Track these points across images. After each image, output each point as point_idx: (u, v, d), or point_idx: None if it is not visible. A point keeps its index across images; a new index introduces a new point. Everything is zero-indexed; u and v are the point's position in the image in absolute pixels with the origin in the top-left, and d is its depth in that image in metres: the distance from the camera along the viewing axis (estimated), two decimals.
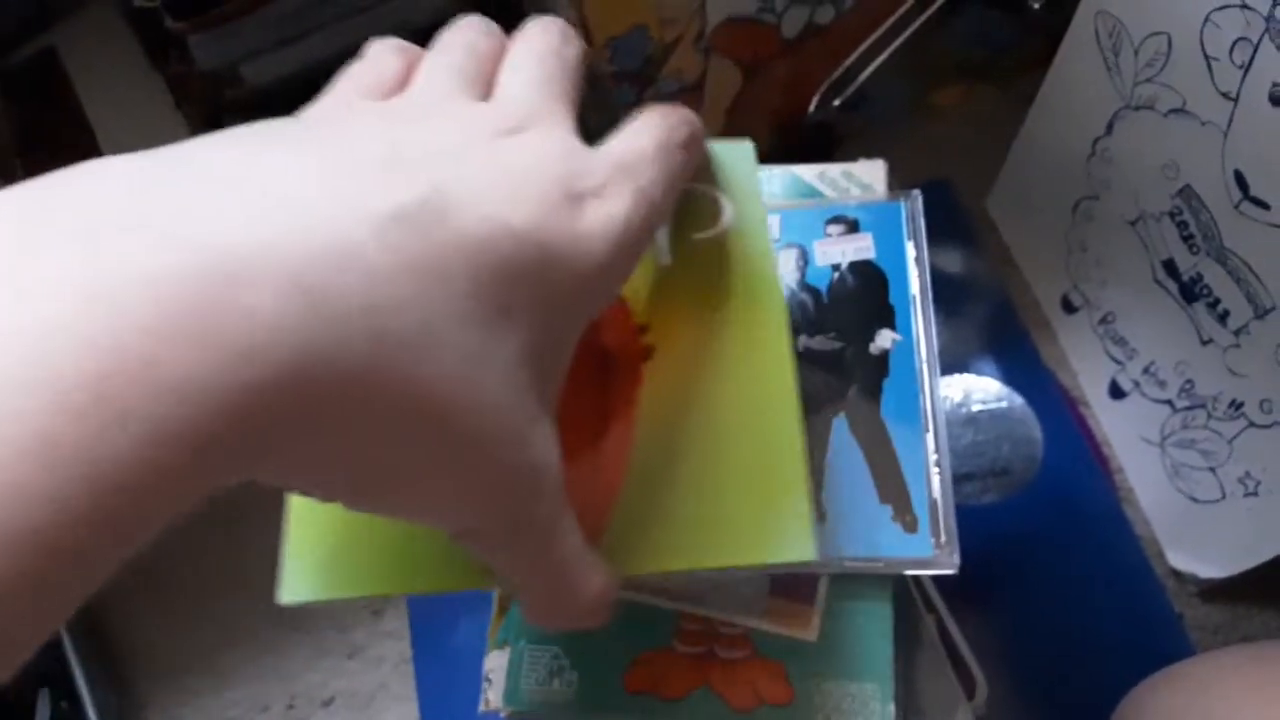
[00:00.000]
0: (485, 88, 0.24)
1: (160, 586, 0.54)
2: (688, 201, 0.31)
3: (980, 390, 0.54)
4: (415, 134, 0.21)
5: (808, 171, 0.40)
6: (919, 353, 0.35)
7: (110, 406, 0.14)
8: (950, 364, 0.52)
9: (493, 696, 0.35)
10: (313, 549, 0.27)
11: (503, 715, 0.35)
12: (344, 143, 0.20)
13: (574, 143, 0.23)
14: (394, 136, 0.21)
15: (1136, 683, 0.41)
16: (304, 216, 0.17)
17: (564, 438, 0.23)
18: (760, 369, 0.29)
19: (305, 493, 0.21)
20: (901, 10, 0.53)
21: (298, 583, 0.27)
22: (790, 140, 0.60)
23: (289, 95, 0.58)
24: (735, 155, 0.32)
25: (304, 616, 0.54)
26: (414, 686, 0.50)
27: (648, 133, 0.25)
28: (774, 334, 0.29)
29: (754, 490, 0.28)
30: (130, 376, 0.15)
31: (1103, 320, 0.53)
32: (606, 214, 0.22)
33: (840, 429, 0.35)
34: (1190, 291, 0.46)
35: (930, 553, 0.32)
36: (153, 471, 0.15)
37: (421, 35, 0.27)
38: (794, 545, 0.27)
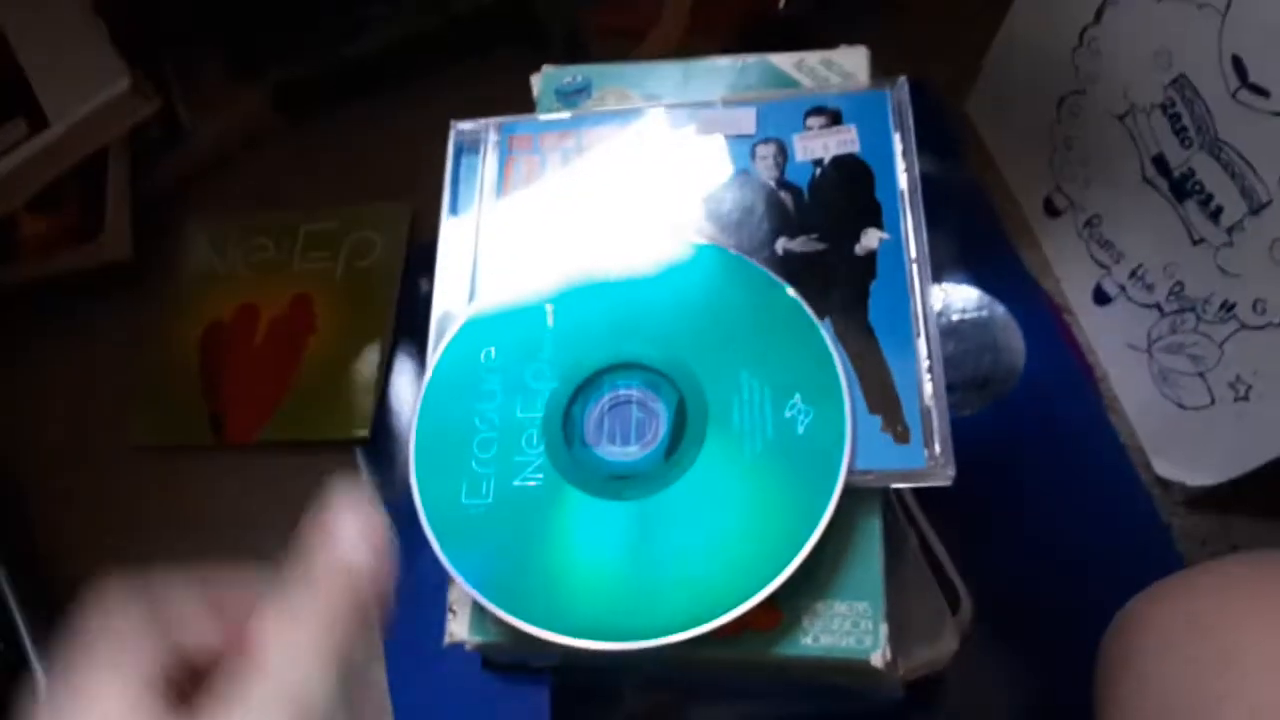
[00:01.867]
0: None
1: (102, 518, 0.52)
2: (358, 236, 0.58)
3: (961, 299, 0.52)
4: None
5: (784, 60, 0.37)
6: (908, 252, 0.33)
7: None
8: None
9: (456, 629, 0.32)
10: None
11: (468, 648, 0.33)
12: None
13: None
14: None
15: (1123, 594, 0.39)
16: None
17: (252, 366, 0.55)
18: (358, 334, 0.55)
19: None
20: None
21: None
22: (760, 38, 0.56)
23: (230, 16, 0.55)
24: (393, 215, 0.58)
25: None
26: None
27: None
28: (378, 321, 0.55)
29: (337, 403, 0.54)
30: None
31: (1088, 223, 0.51)
32: None
33: (826, 336, 0.32)
34: (1181, 188, 0.44)
35: (923, 463, 0.30)
36: None
37: None
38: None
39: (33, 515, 0.53)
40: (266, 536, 0.53)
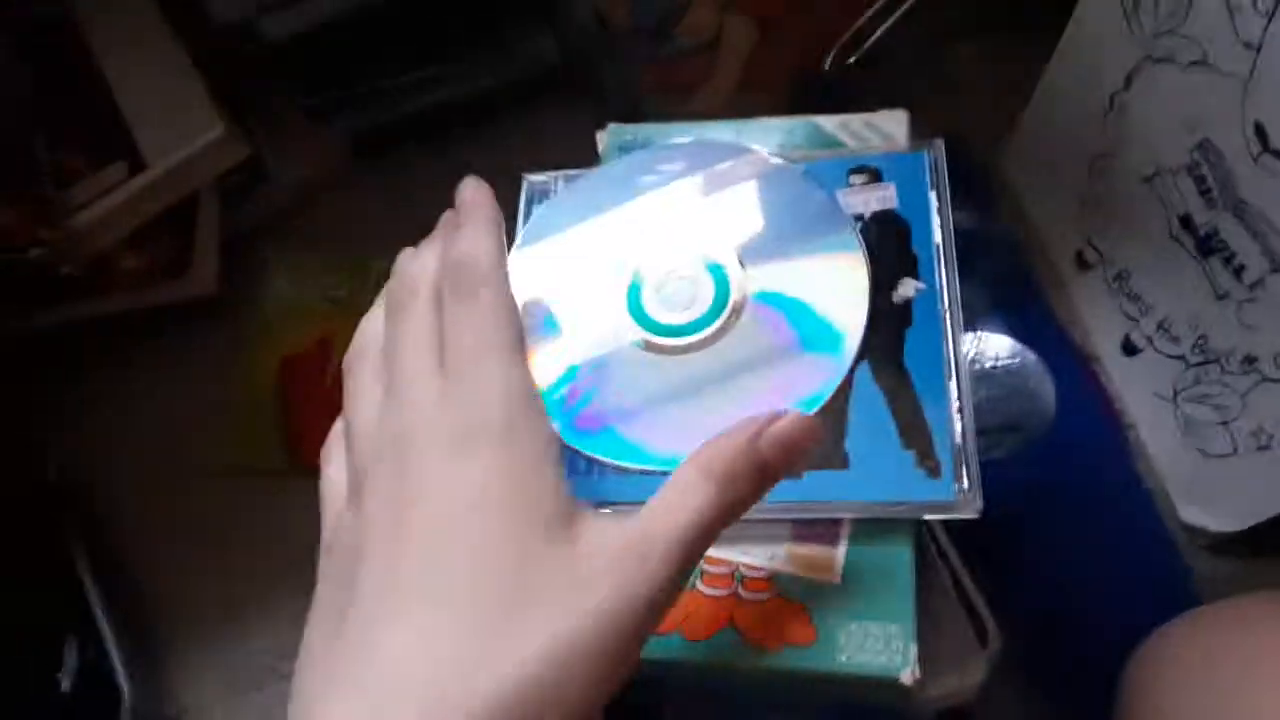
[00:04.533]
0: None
1: (184, 536, 0.55)
2: None
3: (994, 347, 0.55)
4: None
5: (829, 122, 0.40)
6: (942, 301, 0.36)
7: None
8: (963, 321, 0.52)
9: None
10: None
11: None
12: None
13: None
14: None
15: (1145, 633, 0.41)
16: None
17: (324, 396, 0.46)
18: None
19: None
20: None
21: None
22: (807, 95, 0.60)
23: (309, 54, 0.59)
24: None
25: None
26: None
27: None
28: None
29: None
30: None
31: (1117, 277, 0.53)
32: None
33: (863, 377, 0.35)
34: (1206, 246, 0.46)
35: (953, 497, 0.33)
36: None
37: None
38: None
39: (122, 534, 0.56)
40: None
